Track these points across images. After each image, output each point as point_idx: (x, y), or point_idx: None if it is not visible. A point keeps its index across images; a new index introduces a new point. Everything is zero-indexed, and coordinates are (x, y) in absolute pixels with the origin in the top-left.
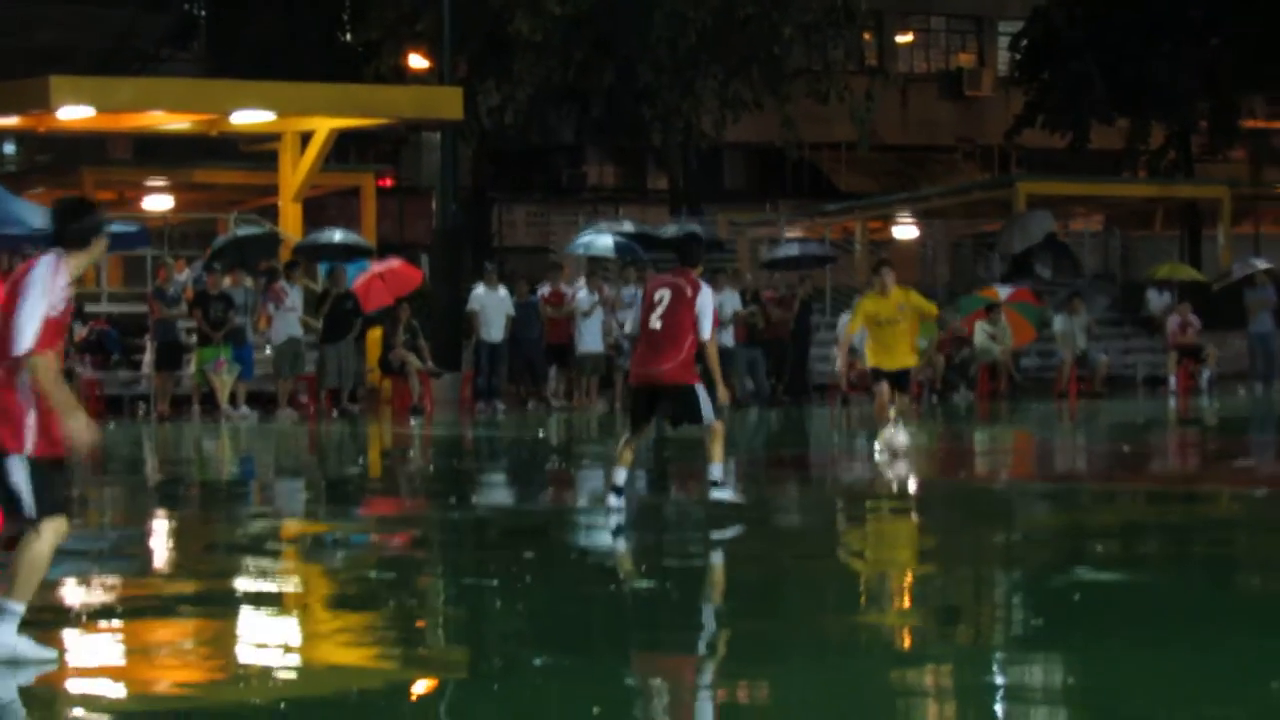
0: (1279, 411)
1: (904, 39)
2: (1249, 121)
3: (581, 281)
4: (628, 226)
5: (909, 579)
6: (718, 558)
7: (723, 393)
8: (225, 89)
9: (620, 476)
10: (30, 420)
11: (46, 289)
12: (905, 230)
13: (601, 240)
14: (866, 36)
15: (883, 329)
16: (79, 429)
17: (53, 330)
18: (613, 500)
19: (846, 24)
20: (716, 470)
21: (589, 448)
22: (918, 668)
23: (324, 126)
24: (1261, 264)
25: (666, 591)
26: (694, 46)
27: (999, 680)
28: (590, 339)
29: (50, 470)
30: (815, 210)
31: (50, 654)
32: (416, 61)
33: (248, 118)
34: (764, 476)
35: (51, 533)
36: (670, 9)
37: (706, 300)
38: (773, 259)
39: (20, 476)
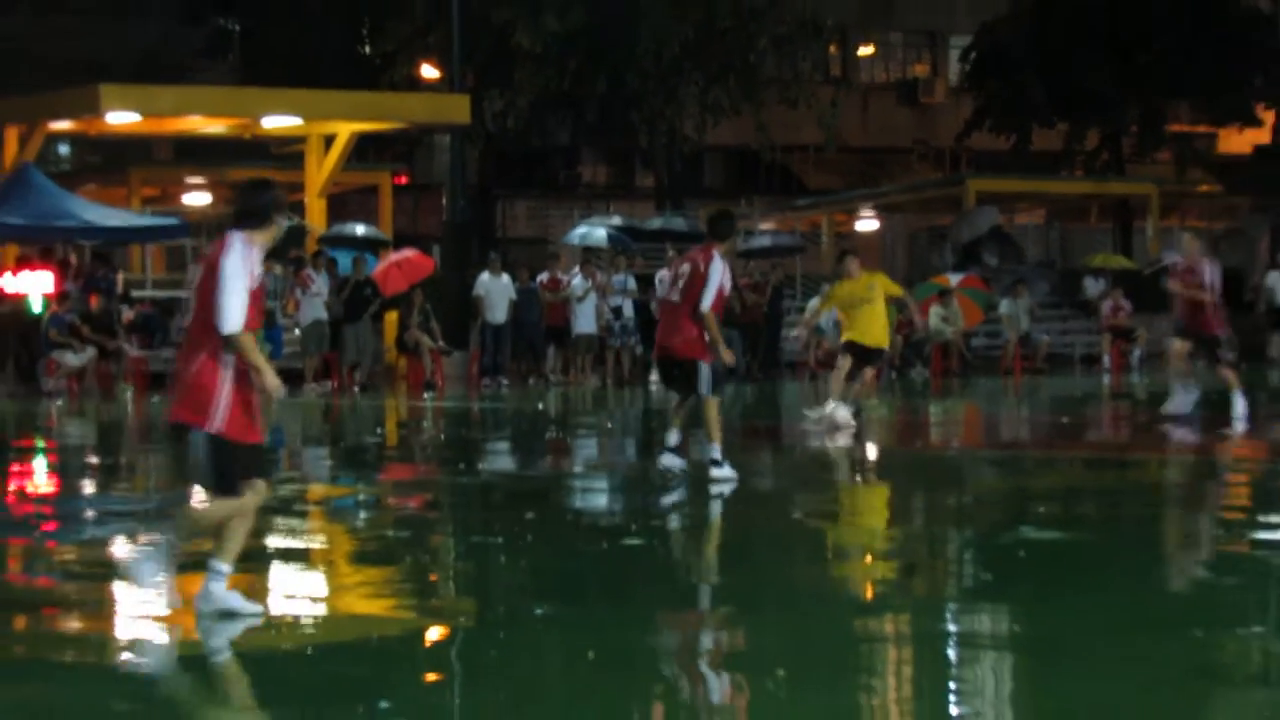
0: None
1: (865, 51)
2: (1174, 126)
3: (577, 269)
4: (617, 220)
5: (873, 537)
6: (699, 518)
7: (727, 354)
8: (257, 96)
9: (672, 438)
10: (222, 400)
11: (243, 268)
12: (867, 224)
13: (595, 232)
14: (832, 49)
15: (858, 310)
16: (274, 384)
17: (251, 307)
18: (664, 460)
19: (814, 38)
20: (714, 450)
21: (583, 419)
22: (879, 616)
23: (346, 130)
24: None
25: (653, 548)
26: (677, 57)
27: (954, 627)
28: (584, 321)
29: (232, 450)
30: (786, 205)
31: (257, 608)
32: (428, 71)
33: (277, 122)
34: (740, 445)
35: (239, 502)
36: (655, 24)
37: (715, 273)
38: (748, 249)
39: (202, 451)
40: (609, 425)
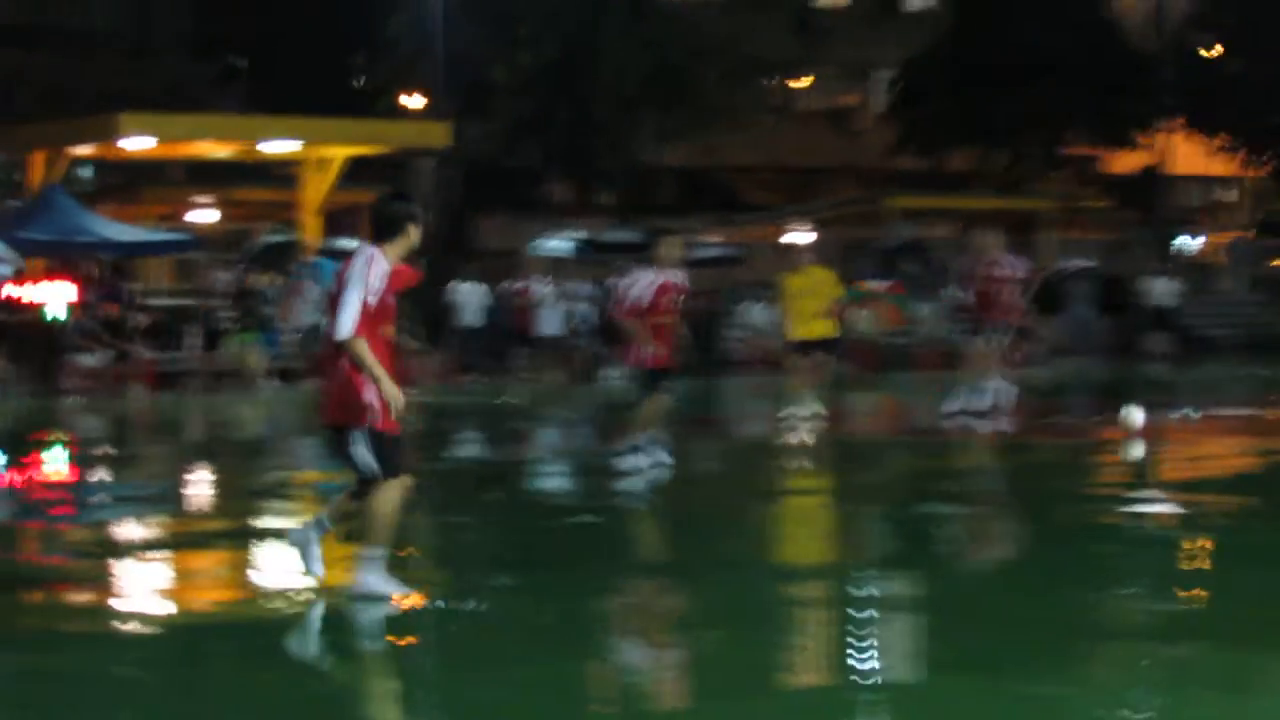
0: (1088, 380)
1: (802, 84)
2: (1071, 149)
3: (543, 278)
4: (581, 234)
5: (804, 512)
6: (643, 499)
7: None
8: (260, 123)
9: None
10: (371, 399)
11: (362, 279)
12: (800, 236)
13: (560, 245)
14: (772, 83)
15: (806, 299)
16: (393, 394)
17: (371, 316)
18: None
19: (757, 72)
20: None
21: (547, 412)
22: (804, 581)
23: (340, 154)
24: (1082, 262)
25: (601, 524)
26: (635, 89)
27: (862, 591)
28: (550, 325)
29: (388, 440)
30: (728, 220)
31: (405, 590)
32: (415, 101)
33: (278, 147)
34: (684, 433)
35: (396, 489)
36: (616, 60)
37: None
38: (694, 259)
39: (362, 447)
40: (567, 417)
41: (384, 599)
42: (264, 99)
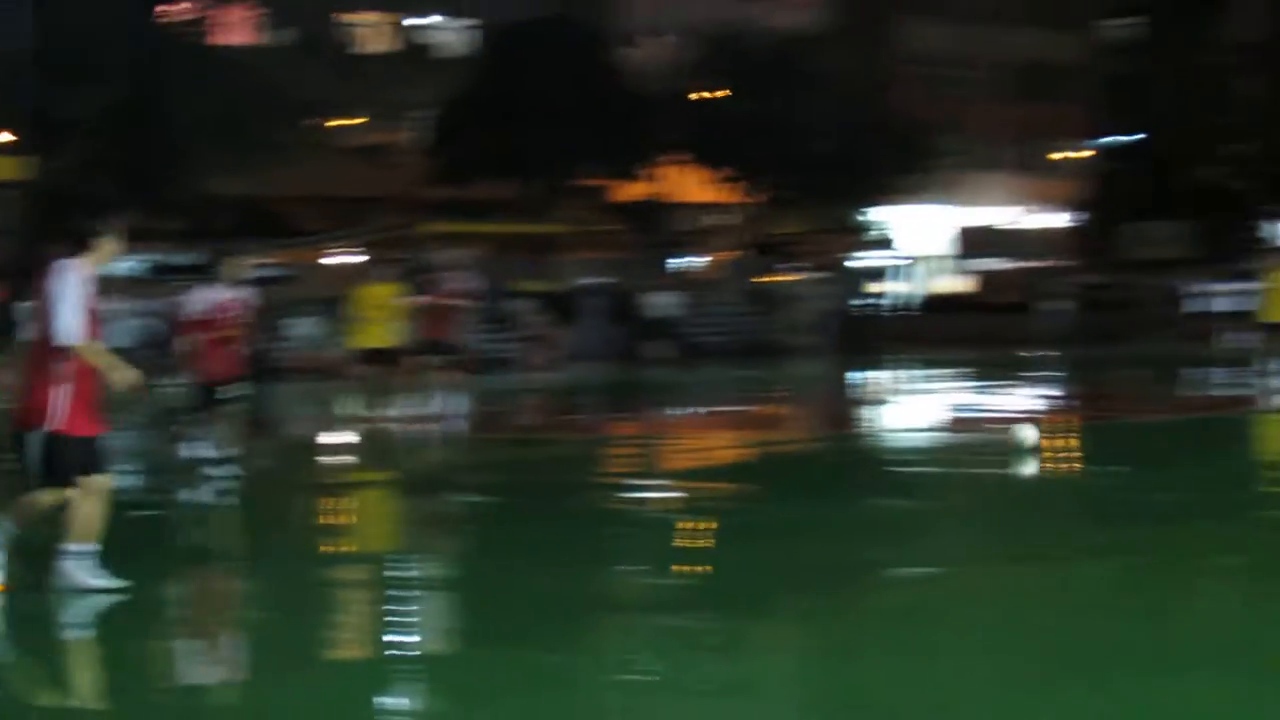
0: (599, 383)
1: (347, 122)
2: (584, 181)
3: (117, 296)
4: (154, 257)
5: (351, 504)
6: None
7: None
8: None
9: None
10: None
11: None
12: (345, 258)
13: (132, 265)
14: (323, 121)
15: (376, 311)
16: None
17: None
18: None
19: (307, 113)
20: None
21: (115, 415)
22: (348, 566)
23: None
24: (594, 279)
25: (163, 518)
26: (197, 128)
27: (410, 573)
28: (120, 338)
29: (73, 443)
30: (282, 244)
31: (116, 583)
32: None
33: None
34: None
35: (92, 487)
36: (179, 102)
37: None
38: (252, 279)
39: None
40: (133, 420)
41: (92, 592)
42: None
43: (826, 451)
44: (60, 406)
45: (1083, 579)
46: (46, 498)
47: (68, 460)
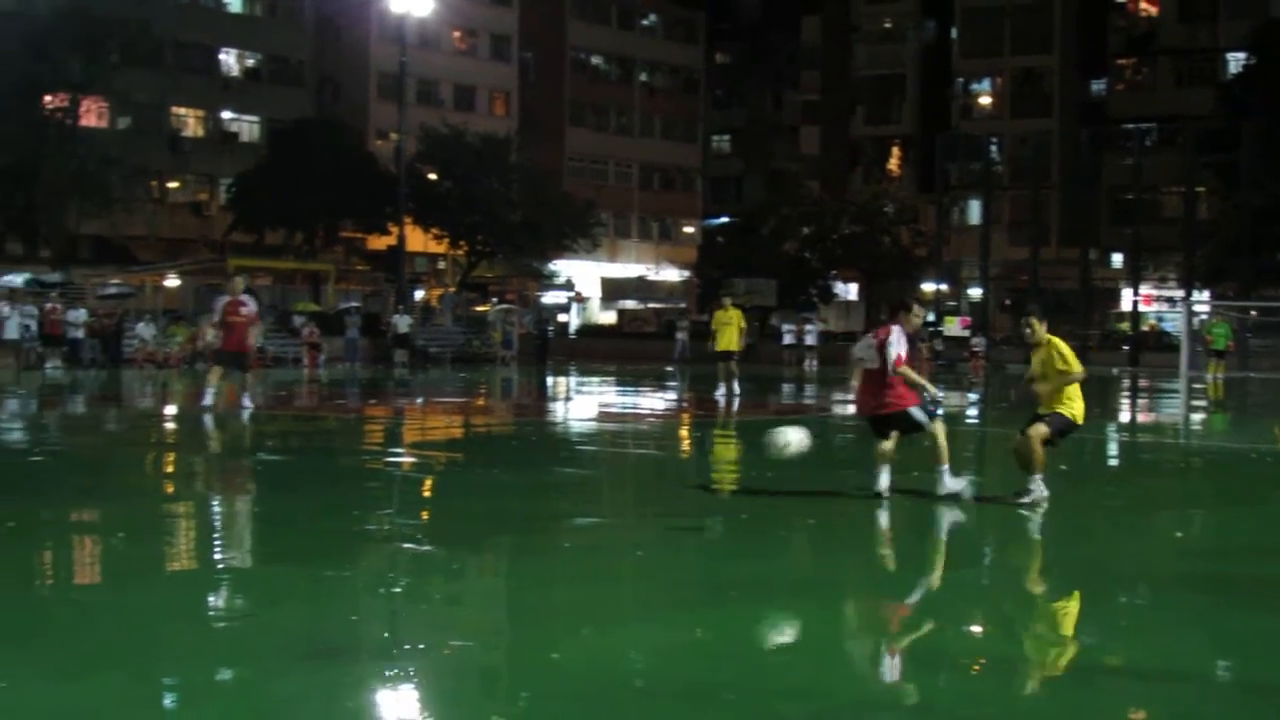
0: (356, 379)
1: (173, 184)
2: (347, 232)
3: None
4: (29, 275)
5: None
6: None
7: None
8: None
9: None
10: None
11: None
12: (172, 283)
13: (15, 279)
14: (155, 182)
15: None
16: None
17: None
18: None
19: (145, 175)
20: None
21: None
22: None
23: None
24: (353, 303)
25: None
26: (64, 183)
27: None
28: (9, 332)
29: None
30: (126, 269)
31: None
32: None
33: None
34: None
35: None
36: (51, 165)
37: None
38: (104, 294)
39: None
40: (15, 394)
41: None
42: None
43: (519, 433)
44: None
45: (702, 531)
46: None
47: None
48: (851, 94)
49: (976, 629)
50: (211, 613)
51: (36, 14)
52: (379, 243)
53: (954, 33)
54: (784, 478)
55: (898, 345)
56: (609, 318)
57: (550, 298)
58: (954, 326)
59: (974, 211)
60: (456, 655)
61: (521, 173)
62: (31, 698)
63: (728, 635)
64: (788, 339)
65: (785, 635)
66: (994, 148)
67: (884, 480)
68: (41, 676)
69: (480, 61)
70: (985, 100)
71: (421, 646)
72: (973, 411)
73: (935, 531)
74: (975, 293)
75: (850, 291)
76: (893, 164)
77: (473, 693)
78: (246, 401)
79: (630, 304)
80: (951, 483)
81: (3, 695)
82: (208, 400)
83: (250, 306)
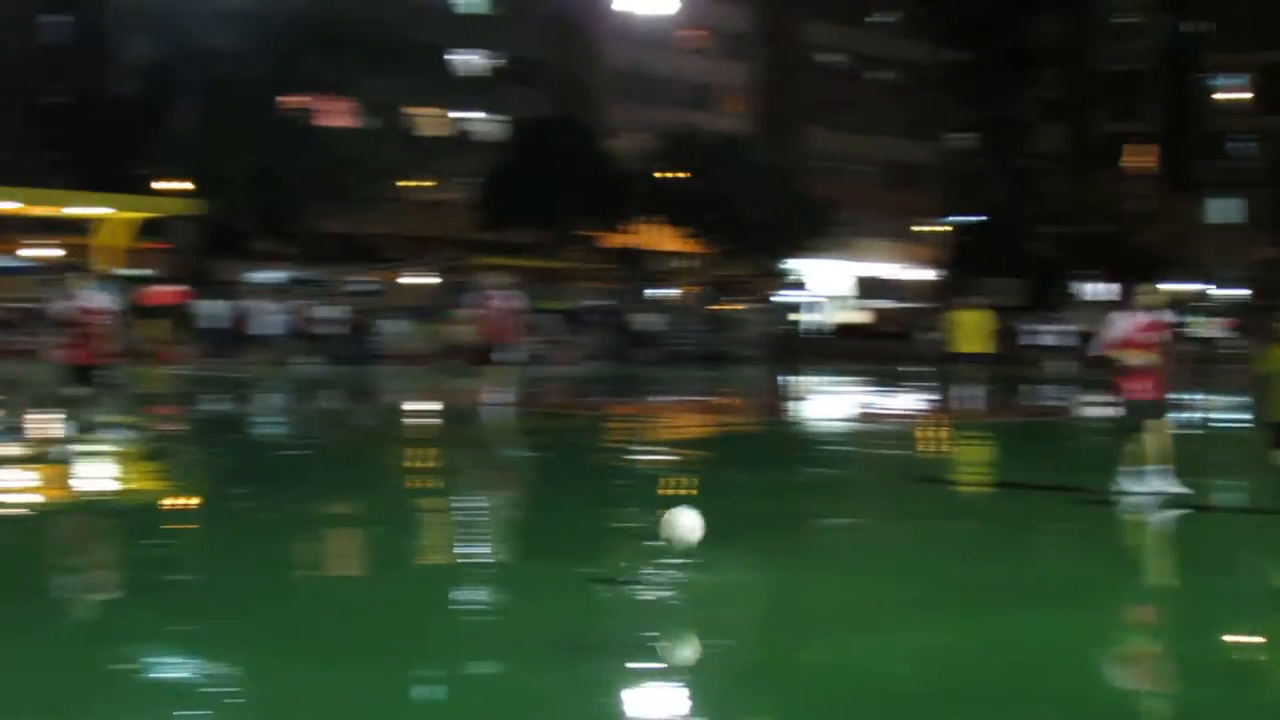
0: (601, 375)
1: (416, 183)
2: (585, 231)
3: (260, 298)
4: (287, 272)
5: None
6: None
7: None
8: (76, 196)
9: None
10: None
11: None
12: (419, 279)
13: (273, 276)
14: (397, 181)
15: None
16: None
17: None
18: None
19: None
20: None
21: (263, 382)
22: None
23: (139, 215)
24: (598, 301)
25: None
26: (312, 183)
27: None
28: (263, 327)
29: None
30: (373, 267)
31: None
32: (173, 185)
33: (85, 210)
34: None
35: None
36: (297, 166)
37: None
38: (355, 291)
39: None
40: (273, 387)
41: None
42: (82, 181)
43: (765, 432)
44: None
45: (949, 532)
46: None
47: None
48: (1093, 90)
49: (1238, 638)
50: (467, 606)
51: (278, 16)
52: (616, 241)
53: (1199, 26)
54: (1032, 477)
55: (1116, 328)
56: (853, 317)
57: (792, 297)
58: (1213, 326)
59: (1221, 209)
60: (708, 654)
61: (760, 171)
62: (294, 687)
63: (980, 639)
64: (1036, 339)
65: (1040, 639)
66: (1244, 144)
67: (1148, 482)
68: (303, 665)
69: (714, 60)
70: (1234, 95)
71: (673, 645)
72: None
73: (1186, 537)
74: (1222, 292)
75: (1099, 291)
76: (1137, 161)
77: (724, 692)
78: (496, 397)
79: (876, 303)
80: (1162, 483)
81: (267, 683)
82: (489, 397)
83: (506, 301)
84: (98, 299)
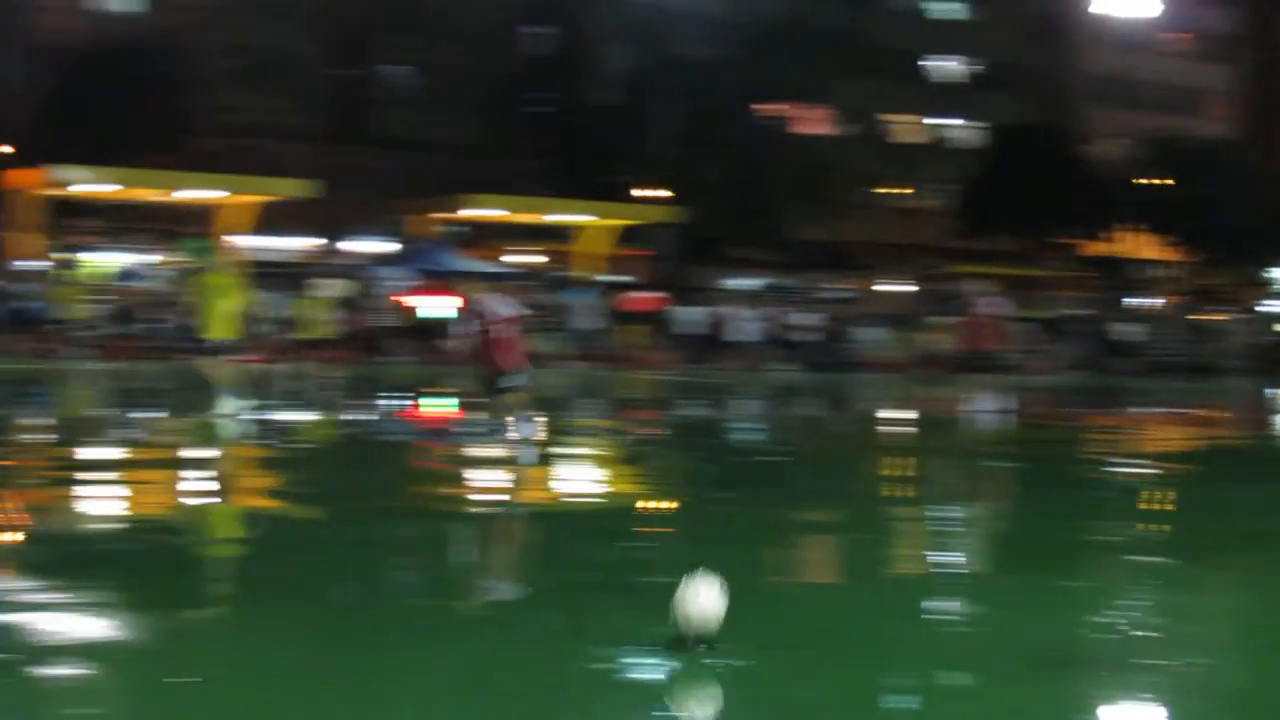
0: (1081, 385)
1: (888, 190)
2: (1063, 239)
3: (734, 305)
4: (764, 279)
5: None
6: None
7: None
8: (558, 204)
9: None
10: None
11: None
12: (892, 287)
13: (748, 283)
14: (872, 188)
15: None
16: None
17: None
18: None
19: (862, 182)
20: None
21: (741, 390)
22: None
23: (620, 223)
24: (1075, 310)
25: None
26: (788, 189)
27: None
28: (737, 333)
29: None
30: (846, 274)
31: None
32: (650, 192)
33: (567, 218)
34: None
35: None
36: (772, 171)
37: None
38: (819, 298)
39: None
40: (746, 392)
41: None
42: (563, 188)
43: (1252, 446)
44: None
45: None
46: None
47: None
48: None
49: None
50: (939, 616)
51: (755, 24)
52: (1095, 248)
53: None
54: None
55: None
56: None
57: (1278, 307)
58: None
59: None
60: (1193, 674)
61: (1247, 176)
62: (777, 690)
63: None
64: None
65: None
66: None
67: None
68: (781, 668)
69: (1197, 63)
70: None
71: (1155, 662)
72: None
73: None
74: None
75: None
76: None
77: (1209, 714)
78: (990, 404)
79: None
80: None
81: (744, 685)
82: (982, 405)
83: (1000, 307)
84: (502, 307)
